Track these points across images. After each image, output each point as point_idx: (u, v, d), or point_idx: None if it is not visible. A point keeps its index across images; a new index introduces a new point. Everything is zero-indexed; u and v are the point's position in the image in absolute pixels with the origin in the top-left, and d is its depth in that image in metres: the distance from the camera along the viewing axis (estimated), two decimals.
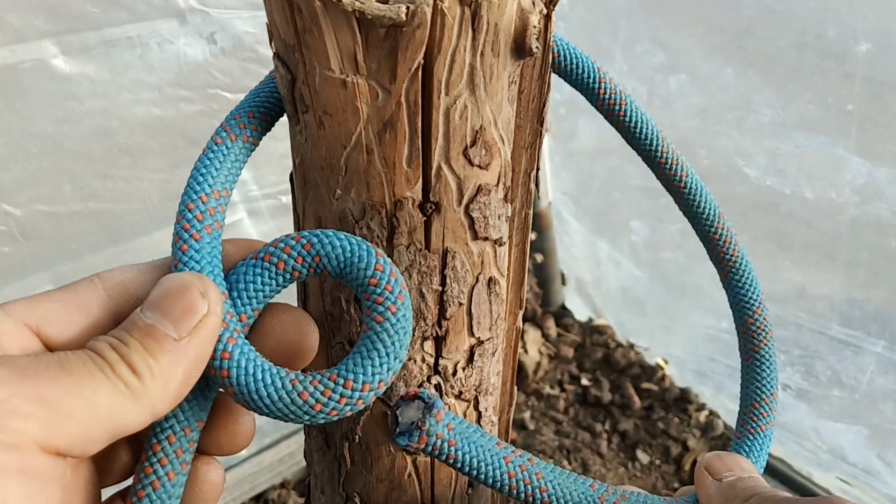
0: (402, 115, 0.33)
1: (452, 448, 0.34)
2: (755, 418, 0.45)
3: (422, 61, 0.31)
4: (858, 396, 1.15)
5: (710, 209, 0.46)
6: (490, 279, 0.40)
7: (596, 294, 1.69)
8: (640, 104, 0.45)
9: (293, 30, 0.32)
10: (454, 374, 0.41)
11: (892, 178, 0.99)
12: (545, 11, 0.34)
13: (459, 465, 0.34)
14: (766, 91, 1.08)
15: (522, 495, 0.35)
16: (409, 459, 0.43)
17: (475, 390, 0.42)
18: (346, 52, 0.31)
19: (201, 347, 0.30)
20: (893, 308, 1.09)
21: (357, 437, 0.42)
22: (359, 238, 0.33)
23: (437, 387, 0.41)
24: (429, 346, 0.40)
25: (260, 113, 0.36)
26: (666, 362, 1.56)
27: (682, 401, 1.48)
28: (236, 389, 0.31)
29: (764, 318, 0.46)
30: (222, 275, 0.33)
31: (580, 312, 1.75)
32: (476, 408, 0.43)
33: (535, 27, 0.33)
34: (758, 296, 0.46)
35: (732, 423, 1.36)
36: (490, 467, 0.35)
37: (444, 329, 0.39)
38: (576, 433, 1.45)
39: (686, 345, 1.47)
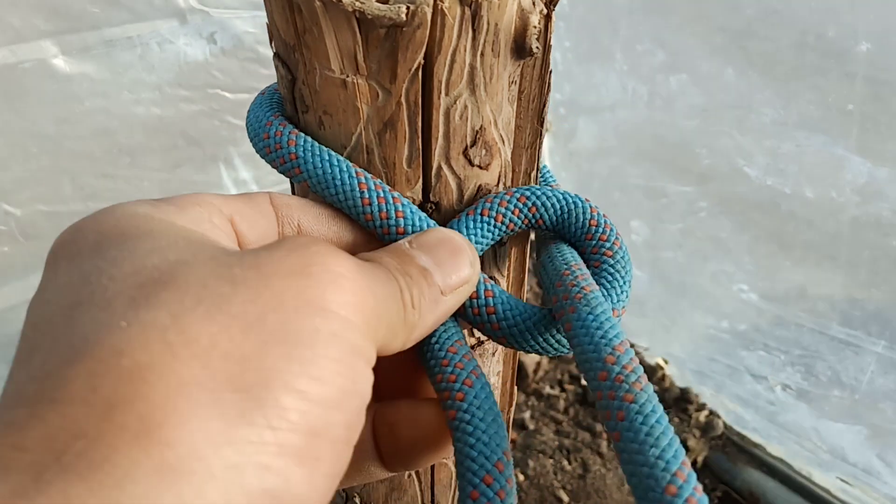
0: (402, 115, 0.33)
1: None
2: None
3: (422, 61, 0.31)
4: (858, 396, 1.15)
5: None
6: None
7: None
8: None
9: (293, 30, 0.32)
10: None
11: (892, 178, 0.99)
12: (545, 11, 0.34)
13: None
14: (766, 91, 1.08)
15: None
16: None
17: None
18: (346, 52, 0.31)
19: (452, 308, 0.31)
20: (894, 308, 1.08)
21: None
22: (570, 192, 0.36)
23: None
24: None
25: None
26: (666, 362, 1.55)
27: (682, 401, 1.47)
28: (502, 325, 0.34)
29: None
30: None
31: None
32: None
33: (535, 27, 0.33)
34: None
35: (733, 423, 1.35)
36: None
37: None
38: (576, 433, 1.45)
39: (686, 345, 1.47)
